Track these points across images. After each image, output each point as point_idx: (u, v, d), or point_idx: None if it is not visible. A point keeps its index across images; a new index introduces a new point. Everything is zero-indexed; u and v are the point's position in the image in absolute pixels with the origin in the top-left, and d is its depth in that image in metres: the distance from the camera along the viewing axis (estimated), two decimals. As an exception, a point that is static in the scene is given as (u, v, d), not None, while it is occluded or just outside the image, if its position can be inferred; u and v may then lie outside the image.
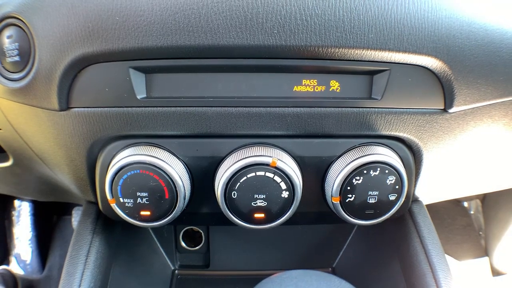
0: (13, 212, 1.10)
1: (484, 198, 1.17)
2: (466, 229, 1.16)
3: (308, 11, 0.41)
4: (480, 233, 1.17)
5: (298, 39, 0.42)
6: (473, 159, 0.64)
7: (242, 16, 0.40)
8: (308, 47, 0.42)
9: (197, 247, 0.78)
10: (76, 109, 0.48)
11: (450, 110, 0.50)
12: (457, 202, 1.20)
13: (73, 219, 1.03)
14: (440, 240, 1.13)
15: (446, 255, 1.14)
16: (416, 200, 0.63)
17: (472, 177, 0.71)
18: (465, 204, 1.21)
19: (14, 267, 1.11)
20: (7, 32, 0.47)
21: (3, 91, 0.51)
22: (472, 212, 1.19)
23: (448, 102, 0.49)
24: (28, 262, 1.10)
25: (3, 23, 0.47)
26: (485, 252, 1.16)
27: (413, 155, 0.54)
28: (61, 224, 1.11)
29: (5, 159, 0.73)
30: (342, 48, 0.43)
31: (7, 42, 0.47)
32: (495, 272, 1.15)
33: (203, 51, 0.43)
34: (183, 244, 0.79)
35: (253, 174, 0.48)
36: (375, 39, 0.43)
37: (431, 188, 0.64)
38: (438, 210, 1.16)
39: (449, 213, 1.17)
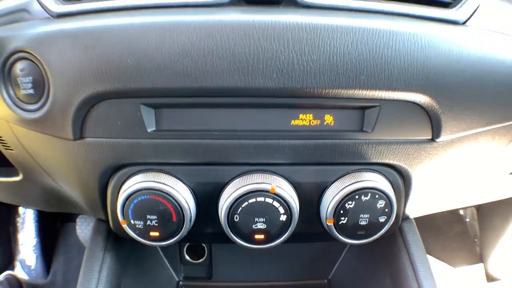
0: (18, 219, 1.17)
1: (480, 206, 1.24)
2: (461, 236, 1.23)
3: (304, 57, 0.47)
4: (475, 240, 1.24)
5: (295, 82, 0.47)
6: (462, 178, 0.70)
7: (244, 62, 0.46)
8: (304, 89, 0.48)
9: (200, 260, 0.85)
10: (89, 139, 0.54)
11: (438, 140, 0.56)
12: (453, 210, 1.26)
13: (77, 227, 1.09)
14: (436, 247, 1.20)
15: (441, 262, 1.21)
16: (406, 218, 0.69)
17: (462, 193, 0.77)
18: (461, 212, 1.28)
19: (19, 272, 1.18)
20: (20, 65, 0.52)
21: (18, 119, 0.56)
22: (467, 220, 1.26)
23: (436, 132, 0.55)
24: (32, 267, 1.17)
25: (15, 56, 0.52)
26: (480, 258, 1.23)
27: (402, 179, 0.60)
28: (65, 231, 1.18)
29: (15, 173, 0.79)
30: (336, 89, 0.49)
31: (20, 75, 0.52)
32: (490, 278, 1.22)
33: (208, 92, 0.49)
34: (187, 257, 0.86)
35: (253, 199, 0.54)
36: (366, 81, 0.48)
37: (421, 206, 0.70)
38: (434, 218, 1.23)
39: (445, 220, 1.24)
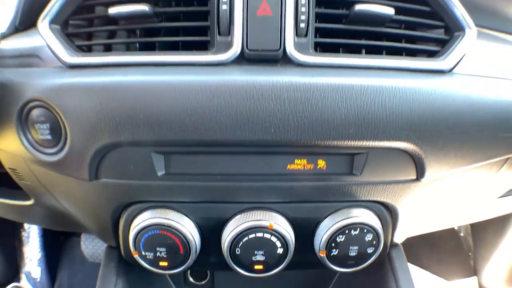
0: (23, 233, 1.26)
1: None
2: (456, 250, 1.33)
3: (299, 114, 0.55)
4: (469, 253, 1.34)
5: (291, 136, 0.56)
6: (449, 206, 0.79)
7: (245, 119, 0.55)
8: (299, 141, 0.56)
9: (203, 282, 0.95)
10: (104, 179, 0.62)
11: (422, 180, 0.64)
12: (447, 226, 1.36)
13: (81, 242, 1.18)
14: (431, 261, 1.29)
15: (436, 275, 1.31)
16: (394, 245, 0.78)
17: (450, 217, 0.86)
18: (455, 227, 1.37)
19: (25, 284, 1.28)
20: (37, 111, 0.59)
21: (35, 160, 0.63)
22: (462, 234, 1.35)
23: (420, 173, 0.63)
24: (38, 280, 1.26)
25: (32, 104, 0.58)
26: (474, 271, 1.32)
27: (390, 213, 0.69)
28: (69, 244, 1.28)
29: (26, 198, 0.87)
30: (327, 141, 0.57)
31: (37, 121, 0.59)
32: (483, 291, 1.32)
33: (213, 143, 0.57)
34: (191, 279, 0.95)
35: (253, 235, 0.63)
36: (355, 133, 0.57)
37: (408, 232, 0.79)
38: (429, 233, 1.32)
39: (440, 235, 1.33)
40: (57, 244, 1.28)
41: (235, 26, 0.56)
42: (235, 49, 0.56)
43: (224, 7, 0.55)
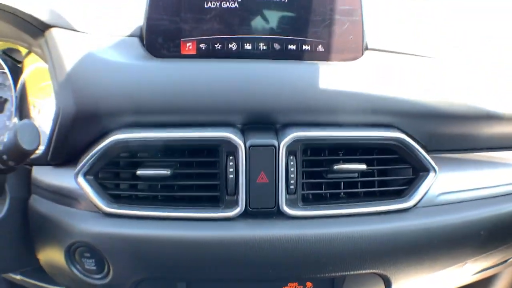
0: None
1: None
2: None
3: (288, 259, 0.83)
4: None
5: (284, 273, 0.85)
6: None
7: (249, 263, 0.83)
8: (291, 277, 0.86)
9: None
10: (140, 294, 0.92)
11: (390, 290, 0.95)
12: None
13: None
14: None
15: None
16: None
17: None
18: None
19: None
20: (83, 249, 0.86)
21: (80, 281, 0.93)
22: (451, 287, 1.66)
23: (387, 287, 0.93)
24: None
25: (78, 244, 0.86)
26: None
27: (366, 311, 1.00)
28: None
29: (57, 283, 1.17)
30: (311, 275, 0.86)
31: (84, 256, 0.87)
32: None
33: (224, 278, 0.86)
34: None
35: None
36: (333, 269, 0.86)
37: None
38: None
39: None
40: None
41: (239, 190, 0.83)
42: (240, 208, 0.84)
43: (231, 176, 0.83)
